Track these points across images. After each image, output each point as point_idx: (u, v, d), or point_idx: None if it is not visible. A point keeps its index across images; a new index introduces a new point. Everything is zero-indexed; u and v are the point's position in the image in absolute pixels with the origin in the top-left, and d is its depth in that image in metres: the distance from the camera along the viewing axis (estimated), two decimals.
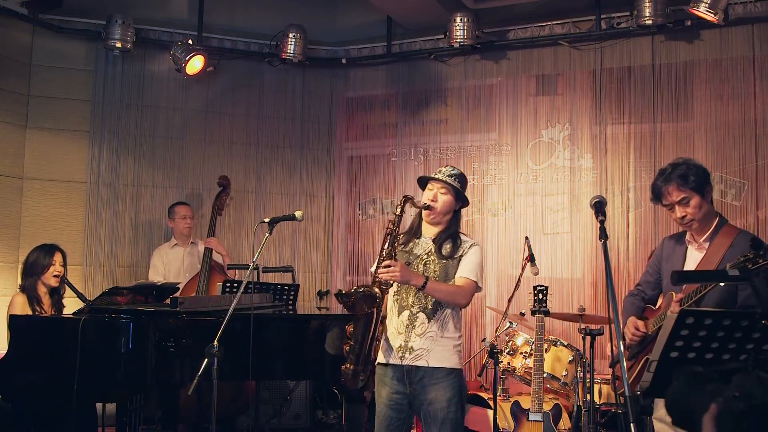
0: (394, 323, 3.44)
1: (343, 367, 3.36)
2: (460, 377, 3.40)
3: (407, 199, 3.44)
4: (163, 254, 5.79)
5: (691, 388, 1.59)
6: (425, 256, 3.46)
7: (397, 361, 3.38)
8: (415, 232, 3.56)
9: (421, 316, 3.38)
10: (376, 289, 3.30)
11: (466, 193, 3.57)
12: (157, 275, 5.67)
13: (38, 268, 4.59)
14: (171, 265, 5.74)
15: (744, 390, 1.41)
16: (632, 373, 3.26)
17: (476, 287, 3.44)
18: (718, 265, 3.04)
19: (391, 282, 3.33)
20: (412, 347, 3.36)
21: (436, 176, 3.51)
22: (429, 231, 3.53)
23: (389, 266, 3.25)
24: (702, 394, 1.54)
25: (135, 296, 4.46)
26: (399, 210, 3.42)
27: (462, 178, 3.55)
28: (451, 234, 3.50)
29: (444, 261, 3.43)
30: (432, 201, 3.46)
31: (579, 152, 5.87)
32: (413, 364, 3.35)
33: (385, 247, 3.35)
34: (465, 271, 3.41)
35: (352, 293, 3.31)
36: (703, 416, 1.49)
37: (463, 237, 3.52)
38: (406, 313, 3.40)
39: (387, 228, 3.40)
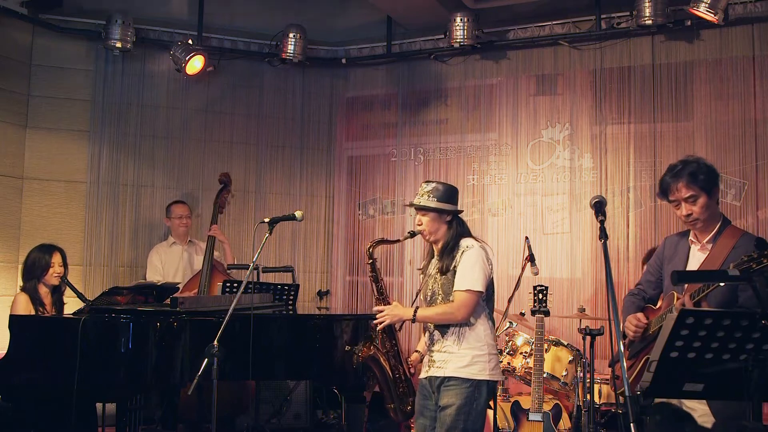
0: (426, 341, 3.62)
1: (386, 405, 3.69)
2: (477, 388, 3.37)
3: (374, 244, 3.72)
4: (161, 253, 5.77)
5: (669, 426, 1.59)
6: (435, 275, 3.55)
7: (425, 374, 3.54)
8: (431, 252, 3.66)
9: (436, 333, 3.51)
10: (373, 335, 3.62)
11: (451, 203, 3.52)
12: (155, 274, 5.65)
13: (38, 270, 4.58)
14: (170, 263, 5.72)
15: None
16: (633, 372, 3.26)
17: (472, 295, 3.38)
18: (721, 267, 3.03)
19: (386, 325, 3.56)
20: (434, 360, 3.50)
21: (413, 202, 3.59)
22: (437, 249, 3.60)
23: (378, 311, 3.55)
24: None
25: (135, 296, 4.46)
26: (369, 258, 3.70)
27: (438, 191, 3.51)
28: (448, 246, 3.51)
29: (444, 277, 3.48)
30: (418, 225, 3.57)
31: (579, 152, 5.87)
32: (434, 375, 3.47)
33: (374, 291, 3.67)
34: (457, 284, 3.43)
35: (360, 353, 3.68)
36: None
37: (461, 243, 3.49)
38: (428, 332, 3.58)
39: (369, 276, 3.67)
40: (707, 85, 5.51)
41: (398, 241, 3.82)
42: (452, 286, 3.43)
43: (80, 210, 6.10)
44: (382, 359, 3.63)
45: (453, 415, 3.34)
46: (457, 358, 3.40)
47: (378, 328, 3.54)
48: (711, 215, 3.18)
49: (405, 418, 3.74)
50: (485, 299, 3.47)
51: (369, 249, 3.69)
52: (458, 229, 3.54)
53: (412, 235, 3.62)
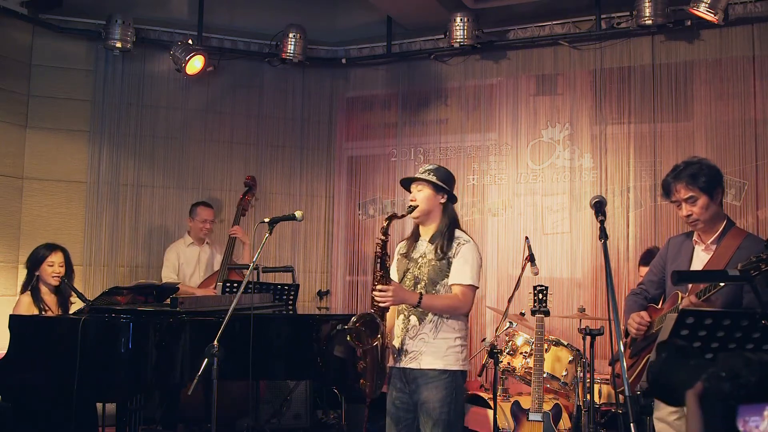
0: (396, 327, 3.54)
1: (360, 381, 3.46)
2: (455, 378, 3.39)
3: (390, 218, 3.47)
4: (180, 251, 5.68)
5: (675, 363, 1.58)
6: (420, 259, 3.52)
7: (398, 364, 3.48)
8: (414, 236, 3.62)
9: (413, 318, 3.46)
10: (377, 318, 3.33)
11: (448, 186, 3.53)
12: (171, 272, 5.60)
13: (33, 262, 4.56)
14: (187, 263, 5.66)
15: (730, 370, 1.39)
16: (634, 371, 3.26)
17: (473, 289, 3.43)
18: (726, 267, 3.03)
19: (387, 305, 3.36)
20: (407, 349, 3.45)
21: (412, 176, 3.57)
22: (424, 233, 3.57)
23: (382, 290, 3.32)
24: (686, 371, 1.52)
25: (135, 296, 4.45)
26: (384, 233, 3.42)
27: (439, 171, 3.54)
28: (445, 232, 3.49)
29: (437, 262, 3.45)
30: (412, 201, 3.53)
31: (579, 152, 5.87)
32: (408, 366, 3.44)
33: (377, 269, 3.39)
34: (458, 276, 3.42)
35: (354, 324, 3.35)
36: (686, 392, 1.47)
37: (458, 234, 3.50)
38: (402, 316, 3.51)
39: (375, 252, 3.42)
40: (707, 85, 5.51)
41: (405, 215, 3.56)
42: (441, 275, 3.43)
43: (80, 210, 6.09)
44: (378, 344, 3.45)
45: (438, 408, 3.34)
46: (432, 349, 3.39)
47: (382, 305, 3.34)
48: (712, 216, 3.19)
49: (377, 395, 3.51)
50: None
51: (385, 226, 3.44)
52: (453, 216, 3.54)
53: (413, 209, 3.51)
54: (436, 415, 3.34)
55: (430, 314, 3.43)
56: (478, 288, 3.47)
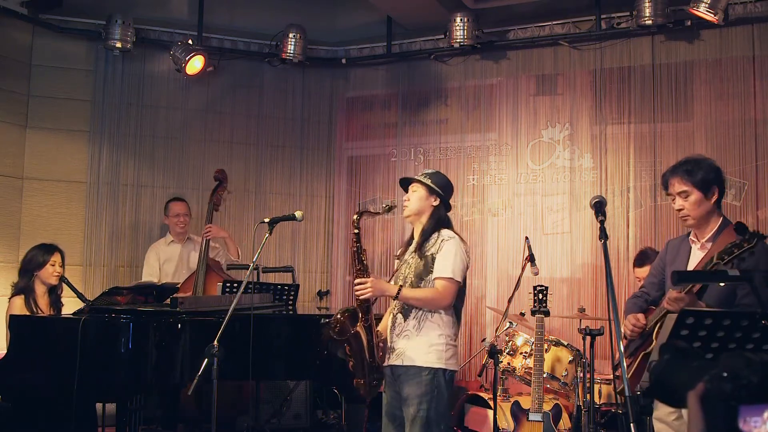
0: (388, 327, 3.59)
1: (354, 381, 3.50)
2: (437, 376, 3.41)
3: (360, 214, 3.54)
4: (159, 251, 5.67)
5: (677, 365, 1.58)
6: (410, 259, 3.57)
7: (388, 362, 3.54)
8: (409, 239, 3.69)
9: (399, 316, 3.52)
10: (358, 310, 3.42)
11: (443, 191, 3.59)
12: (151, 273, 5.56)
13: (34, 264, 4.57)
14: (169, 262, 5.64)
15: (731, 370, 1.40)
16: (630, 370, 3.27)
17: (454, 284, 3.44)
18: None
19: (367, 297, 3.42)
20: (394, 347, 3.50)
21: (410, 176, 3.66)
22: (417, 235, 3.62)
23: (360, 283, 3.41)
24: (688, 372, 1.52)
25: (135, 296, 4.46)
26: (355, 228, 3.50)
27: (436, 177, 3.61)
28: (430, 230, 3.53)
29: (421, 259, 3.50)
30: (406, 200, 3.62)
31: (579, 152, 5.87)
32: (394, 363, 3.49)
33: (355, 264, 3.47)
34: (439, 270, 3.45)
35: (336, 320, 3.42)
36: (688, 394, 1.47)
37: (443, 232, 3.53)
38: (391, 315, 3.58)
39: (351, 247, 3.50)
40: (707, 85, 5.51)
41: (379, 213, 3.69)
42: (426, 271, 3.46)
43: (80, 210, 6.09)
44: (363, 335, 3.47)
45: (416, 404, 3.37)
46: (414, 346, 3.43)
47: (361, 298, 3.42)
48: (704, 214, 3.19)
49: (374, 394, 3.60)
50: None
51: (356, 220, 3.51)
52: (442, 217, 3.58)
53: (390, 209, 3.61)
54: (414, 411, 3.37)
55: (413, 311, 3.46)
56: (460, 283, 3.47)
